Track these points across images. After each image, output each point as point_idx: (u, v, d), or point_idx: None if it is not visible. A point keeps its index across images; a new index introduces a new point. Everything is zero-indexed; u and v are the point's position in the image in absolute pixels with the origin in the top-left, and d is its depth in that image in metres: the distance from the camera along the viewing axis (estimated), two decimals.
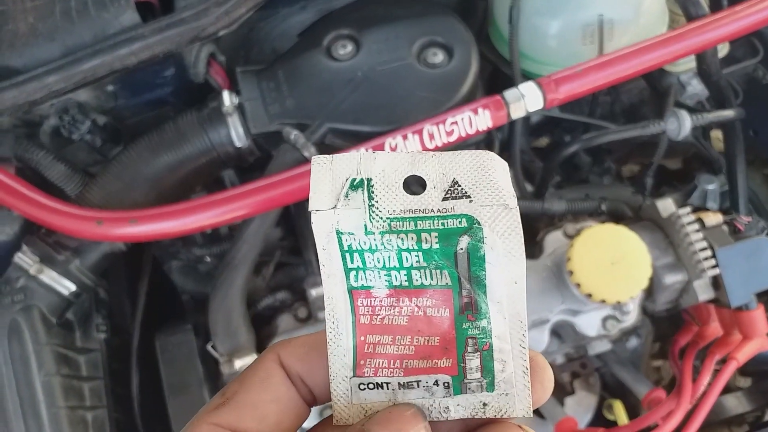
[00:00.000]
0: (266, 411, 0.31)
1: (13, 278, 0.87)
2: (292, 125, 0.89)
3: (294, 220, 1.04)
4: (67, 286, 0.87)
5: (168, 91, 0.98)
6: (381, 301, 0.32)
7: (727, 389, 1.05)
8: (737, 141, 1.04)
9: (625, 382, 1.03)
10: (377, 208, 0.31)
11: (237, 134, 0.91)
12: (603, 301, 0.86)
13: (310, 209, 0.31)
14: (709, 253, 0.88)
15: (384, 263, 0.31)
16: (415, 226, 0.31)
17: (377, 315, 0.32)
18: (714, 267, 0.88)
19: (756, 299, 0.89)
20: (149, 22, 0.85)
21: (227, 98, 0.91)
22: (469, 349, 0.31)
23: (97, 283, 0.93)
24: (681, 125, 0.97)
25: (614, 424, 0.99)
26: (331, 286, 0.32)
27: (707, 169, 1.15)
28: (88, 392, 0.88)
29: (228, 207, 0.84)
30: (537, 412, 1.02)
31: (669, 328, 1.08)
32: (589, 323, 0.93)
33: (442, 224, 0.31)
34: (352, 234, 0.31)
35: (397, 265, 0.31)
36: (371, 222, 0.31)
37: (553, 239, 0.96)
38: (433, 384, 0.31)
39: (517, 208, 0.31)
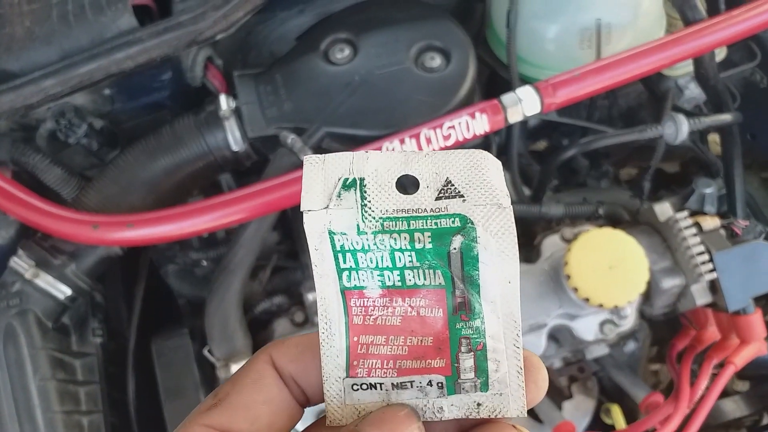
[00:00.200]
0: (258, 412, 0.31)
1: (9, 282, 0.86)
2: (290, 129, 0.89)
3: (291, 224, 1.04)
4: (62, 291, 0.87)
5: (165, 94, 0.98)
6: (374, 301, 0.31)
7: (725, 393, 1.04)
8: (735, 145, 1.04)
9: (623, 386, 1.03)
10: (370, 208, 0.31)
11: (234, 138, 0.91)
12: (600, 306, 0.86)
13: (302, 209, 0.31)
14: (706, 257, 0.88)
15: (377, 263, 0.31)
16: (408, 225, 0.31)
17: (370, 315, 0.31)
18: (711, 271, 0.88)
19: (753, 303, 0.89)
20: (146, 26, 0.85)
21: (224, 102, 0.90)
22: (463, 349, 0.31)
23: (94, 287, 0.93)
24: (678, 129, 0.97)
25: (612, 428, 0.99)
26: (324, 287, 0.31)
27: (705, 173, 1.14)
28: (84, 397, 0.88)
29: (225, 211, 0.83)
30: (534, 416, 1.02)
31: (667, 332, 1.07)
32: (586, 327, 0.92)
33: (435, 224, 0.31)
34: (345, 234, 0.31)
35: (390, 265, 0.31)
36: (364, 222, 0.31)
37: (551, 243, 0.96)
38: (427, 384, 0.31)
39: (511, 207, 0.31)
